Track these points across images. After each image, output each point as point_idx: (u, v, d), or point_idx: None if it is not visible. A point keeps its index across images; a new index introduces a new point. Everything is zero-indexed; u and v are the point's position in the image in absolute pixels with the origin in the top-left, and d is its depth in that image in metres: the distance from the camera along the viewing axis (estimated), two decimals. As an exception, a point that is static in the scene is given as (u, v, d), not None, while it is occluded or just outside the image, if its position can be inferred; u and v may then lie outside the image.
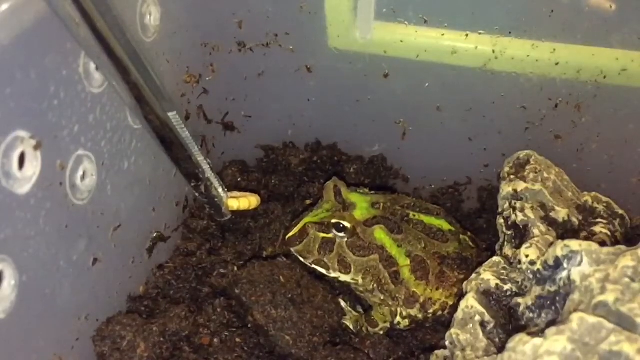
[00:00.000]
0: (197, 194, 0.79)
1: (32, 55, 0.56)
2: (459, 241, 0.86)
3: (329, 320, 0.82)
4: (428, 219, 0.85)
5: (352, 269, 0.81)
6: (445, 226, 0.86)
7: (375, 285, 0.82)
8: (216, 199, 0.81)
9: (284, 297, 0.80)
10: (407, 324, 0.84)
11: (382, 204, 0.85)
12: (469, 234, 0.89)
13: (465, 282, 0.72)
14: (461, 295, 0.81)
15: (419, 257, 0.82)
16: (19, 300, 0.57)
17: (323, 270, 0.82)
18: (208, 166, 0.77)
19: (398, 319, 0.83)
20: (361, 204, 0.84)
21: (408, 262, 0.81)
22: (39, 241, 0.60)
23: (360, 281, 0.82)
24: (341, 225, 0.80)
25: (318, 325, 0.80)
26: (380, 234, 0.81)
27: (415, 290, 0.82)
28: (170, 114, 0.67)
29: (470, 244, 0.87)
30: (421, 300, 0.82)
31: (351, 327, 0.84)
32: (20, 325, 0.59)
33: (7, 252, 0.56)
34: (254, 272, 0.82)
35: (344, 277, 0.82)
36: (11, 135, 0.54)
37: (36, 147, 0.57)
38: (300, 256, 0.82)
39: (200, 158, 0.75)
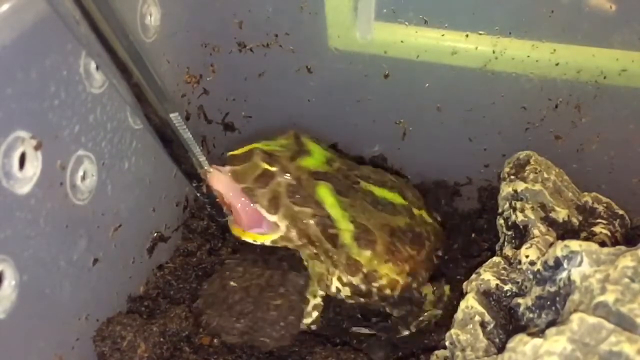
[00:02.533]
0: (198, 194, 0.79)
1: (32, 56, 0.56)
2: (411, 216, 0.83)
3: (296, 305, 0.81)
4: (379, 191, 0.82)
5: (280, 212, 0.76)
6: (397, 200, 0.83)
7: (305, 241, 0.78)
8: (217, 199, 0.81)
9: (238, 306, 0.80)
10: (349, 293, 0.80)
11: (337, 164, 0.82)
12: (425, 209, 0.87)
13: (465, 282, 0.72)
14: (414, 274, 0.81)
15: (364, 225, 0.78)
16: (19, 300, 0.57)
17: (219, 184, 0.76)
18: (209, 167, 0.77)
19: (337, 284, 0.80)
20: (317, 155, 0.80)
21: (351, 227, 0.77)
22: (39, 241, 0.60)
23: (284, 229, 0.77)
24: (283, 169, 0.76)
25: (284, 315, 0.79)
26: (323, 191, 0.77)
27: (358, 259, 0.78)
28: (172, 115, 0.67)
29: (427, 219, 0.85)
30: (364, 270, 0.78)
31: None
32: (21, 326, 0.59)
33: (8, 252, 0.56)
34: (209, 289, 0.83)
35: (270, 218, 0.76)
36: (12, 136, 0.54)
37: (37, 147, 0.57)
38: (234, 177, 0.76)
39: (201, 158, 0.75)
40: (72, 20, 0.54)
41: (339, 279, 0.79)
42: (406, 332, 0.83)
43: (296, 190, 0.76)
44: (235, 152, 0.78)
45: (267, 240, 0.78)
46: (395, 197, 0.83)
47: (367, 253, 0.78)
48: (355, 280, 0.79)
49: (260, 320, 0.79)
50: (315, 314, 0.83)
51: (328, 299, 0.86)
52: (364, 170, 0.86)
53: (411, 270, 0.80)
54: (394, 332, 0.84)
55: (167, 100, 0.66)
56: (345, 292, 0.80)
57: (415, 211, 0.85)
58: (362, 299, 0.81)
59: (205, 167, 0.76)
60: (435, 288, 0.85)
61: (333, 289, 0.80)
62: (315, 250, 0.79)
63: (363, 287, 0.79)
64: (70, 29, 0.56)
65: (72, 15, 0.54)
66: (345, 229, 0.77)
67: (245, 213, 0.78)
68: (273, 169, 0.76)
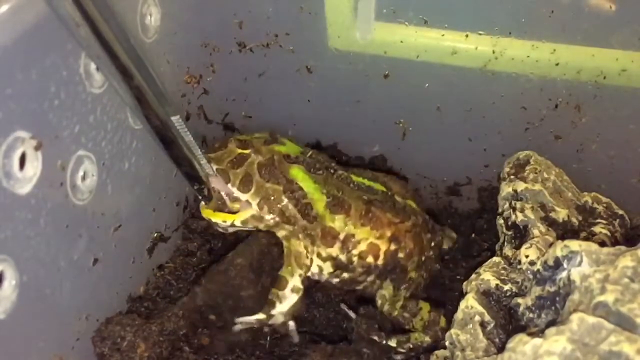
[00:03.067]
0: (200, 197, 0.79)
1: (32, 56, 0.56)
2: (392, 199, 0.82)
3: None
4: (358, 178, 0.82)
5: (252, 190, 0.77)
6: (378, 187, 0.83)
7: (278, 219, 0.78)
8: (219, 201, 0.81)
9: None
10: (331, 269, 0.79)
11: (312, 154, 0.82)
12: (414, 200, 0.86)
13: (465, 282, 0.72)
14: (397, 240, 0.79)
15: (337, 196, 0.78)
16: (20, 300, 0.57)
17: (220, 185, 0.77)
18: (211, 169, 0.77)
19: (318, 261, 0.79)
20: (291, 146, 0.82)
21: (324, 197, 0.77)
22: (40, 241, 0.60)
23: (255, 207, 0.77)
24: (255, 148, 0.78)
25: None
26: (296, 172, 0.78)
27: (331, 225, 0.77)
28: (173, 118, 0.67)
29: (414, 207, 0.85)
30: (341, 236, 0.78)
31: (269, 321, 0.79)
32: (21, 326, 0.59)
33: (8, 252, 0.56)
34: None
35: (243, 197, 0.77)
36: (12, 136, 0.54)
37: (37, 148, 0.57)
38: (210, 160, 0.77)
39: (203, 161, 0.75)
40: (72, 23, 0.54)
41: (319, 255, 0.79)
42: (380, 338, 0.80)
43: (268, 168, 0.78)
44: (216, 145, 0.81)
45: (237, 219, 0.78)
46: (375, 185, 0.83)
47: (341, 217, 0.77)
48: (334, 251, 0.78)
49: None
50: (294, 297, 0.78)
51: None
52: (346, 167, 0.86)
53: (393, 235, 0.79)
54: (371, 329, 0.81)
55: (168, 103, 0.66)
56: (327, 268, 0.79)
57: (399, 199, 0.83)
58: (346, 275, 0.80)
59: (207, 170, 0.76)
60: (432, 310, 0.83)
61: (315, 269, 0.79)
62: (291, 228, 0.78)
63: (343, 257, 0.79)
64: (70, 31, 0.56)
65: (72, 17, 0.54)
66: (318, 199, 0.77)
67: None
68: (247, 151, 0.78)
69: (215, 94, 0.96)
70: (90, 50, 0.58)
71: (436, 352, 0.75)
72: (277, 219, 0.78)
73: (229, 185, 0.77)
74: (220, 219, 0.79)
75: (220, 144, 0.81)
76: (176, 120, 0.67)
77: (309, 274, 0.80)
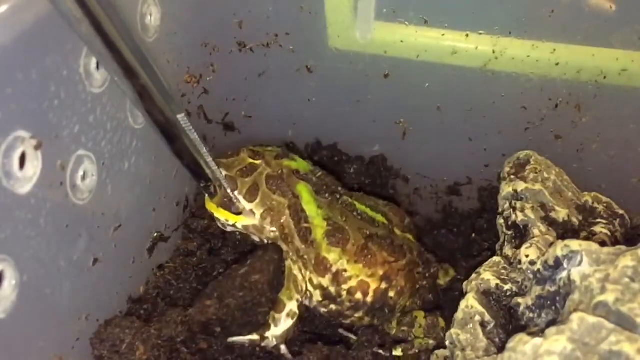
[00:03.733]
0: (206, 194, 0.80)
1: (32, 56, 0.56)
2: (392, 233, 0.82)
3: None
4: (362, 207, 0.83)
5: (257, 200, 0.78)
6: (379, 218, 0.83)
7: (277, 234, 0.79)
8: (225, 199, 0.81)
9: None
10: (320, 298, 0.79)
11: (321, 174, 0.83)
12: (412, 234, 0.86)
13: (465, 282, 0.72)
14: (389, 280, 0.79)
15: (338, 224, 0.78)
16: (20, 300, 0.57)
17: (227, 190, 0.78)
18: (217, 168, 0.77)
19: (310, 287, 0.79)
20: (302, 164, 0.83)
21: (324, 225, 0.78)
22: (40, 241, 0.60)
23: (259, 217, 0.78)
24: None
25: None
26: (301, 188, 0.79)
27: (326, 256, 0.77)
28: (178, 116, 0.67)
29: (411, 239, 0.85)
30: (333, 269, 0.77)
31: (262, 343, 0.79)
32: (21, 325, 0.59)
33: (8, 252, 0.56)
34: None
35: (248, 206, 0.79)
36: (12, 135, 0.54)
37: (37, 147, 0.57)
38: (220, 166, 0.78)
39: (209, 159, 0.75)
40: (74, 19, 0.54)
41: (310, 281, 0.79)
42: (385, 351, 0.80)
43: (276, 181, 0.80)
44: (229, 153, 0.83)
45: (239, 222, 0.80)
46: (377, 216, 0.83)
47: (337, 250, 0.77)
48: (325, 281, 0.78)
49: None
50: (289, 322, 0.78)
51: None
52: (350, 192, 0.86)
53: (385, 275, 0.79)
54: (374, 343, 0.80)
55: (174, 101, 0.66)
56: (317, 296, 0.79)
57: (398, 232, 0.84)
58: (333, 307, 0.80)
59: (213, 168, 0.76)
60: (427, 315, 0.83)
61: (308, 294, 0.80)
62: (286, 248, 0.79)
63: (333, 289, 0.78)
64: (72, 28, 0.55)
65: (74, 14, 0.54)
66: (319, 225, 0.78)
67: None
68: (257, 162, 0.81)
69: (215, 93, 0.96)
70: (92, 47, 0.58)
71: (436, 351, 0.75)
72: (277, 232, 0.80)
73: (236, 193, 0.79)
74: (222, 216, 0.81)
75: (232, 152, 0.83)
76: (181, 118, 0.67)
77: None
